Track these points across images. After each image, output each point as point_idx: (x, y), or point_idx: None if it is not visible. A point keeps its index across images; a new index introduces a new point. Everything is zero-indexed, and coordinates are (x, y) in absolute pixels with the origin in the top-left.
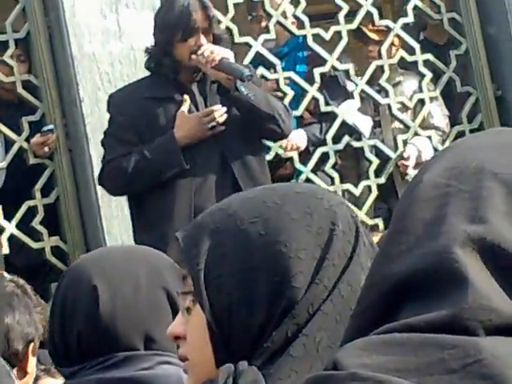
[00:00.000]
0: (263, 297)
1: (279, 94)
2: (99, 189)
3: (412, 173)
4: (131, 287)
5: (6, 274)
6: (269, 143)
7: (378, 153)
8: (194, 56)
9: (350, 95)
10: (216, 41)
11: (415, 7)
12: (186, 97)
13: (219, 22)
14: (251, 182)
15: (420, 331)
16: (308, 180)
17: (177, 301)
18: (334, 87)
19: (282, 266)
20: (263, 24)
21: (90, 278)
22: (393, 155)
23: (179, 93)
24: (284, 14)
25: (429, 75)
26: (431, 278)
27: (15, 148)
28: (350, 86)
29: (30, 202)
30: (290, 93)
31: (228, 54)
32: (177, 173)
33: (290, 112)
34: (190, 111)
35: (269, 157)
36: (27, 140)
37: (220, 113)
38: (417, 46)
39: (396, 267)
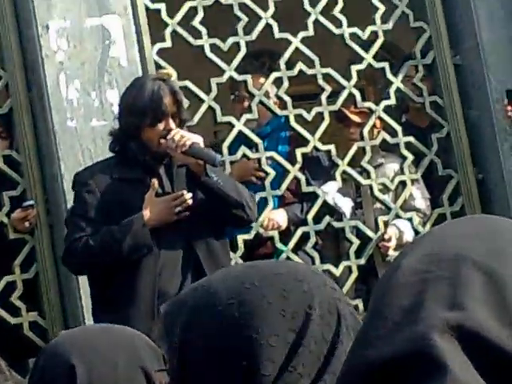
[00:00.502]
0: (233, 381)
1: (261, 173)
2: None
3: (393, 254)
4: (109, 368)
5: None
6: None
7: (359, 234)
8: (163, 140)
9: (331, 176)
10: (182, 125)
11: (398, 90)
12: (155, 180)
13: (202, 100)
14: (215, 265)
15: None
16: (288, 259)
17: (154, 380)
18: (315, 167)
19: (252, 353)
20: (246, 104)
21: (67, 357)
22: (374, 236)
23: (147, 175)
24: (267, 94)
25: (410, 157)
26: (410, 364)
27: None
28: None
29: (9, 277)
30: (272, 172)
31: (198, 140)
32: (144, 254)
33: (254, 199)
34: (156, 194)
35: (249, 236)
36: (8, 215)
37: (188, 197)
38: (399, 129)
39: (374, 353)
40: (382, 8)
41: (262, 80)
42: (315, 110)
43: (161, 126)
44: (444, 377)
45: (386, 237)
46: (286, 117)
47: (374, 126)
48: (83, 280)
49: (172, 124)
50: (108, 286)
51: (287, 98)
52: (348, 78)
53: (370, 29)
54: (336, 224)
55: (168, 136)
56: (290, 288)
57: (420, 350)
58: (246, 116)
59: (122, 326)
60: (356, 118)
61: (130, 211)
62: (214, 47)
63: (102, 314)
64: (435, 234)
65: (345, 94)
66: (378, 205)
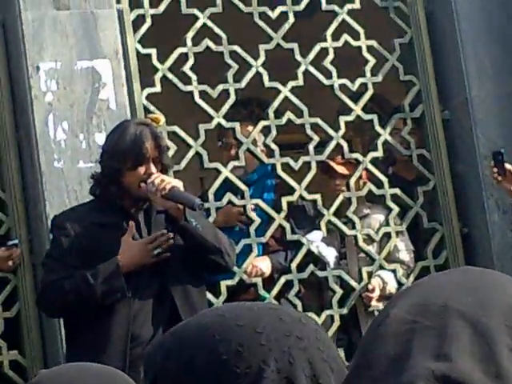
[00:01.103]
0: None
1: (244, 217)
2: None
3: (376, 305)
4: None
5: None
6: (234, 269)
7: (342, 283)
8: (143, 184)
9: (316, 225)
10: (164, 170)
11: (385, 142)
12: (132, 223)
13: (189, 146)
14: (191, 311)
15: None
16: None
17: None
18: (300, 216)
19: None
20: (233, 151)
21: None
22: (357, 286)
23: (124, 219)
24: (254, 142)
25: (396, 209)
26: None
27: None
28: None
29: None
30: (257, 220)
31: (178, 184)
32: (117, 299)
33: (233, 246)
34: (133, 238)
35: (232, 282)
36: None
37: (165, 238)
38: (385, 180)
39: None
40: (372, 60)
41: (250, 128)
42: (302, 159)
43: (141, 169)
44: None
45: (370, 287)
46: (273, 165)
47: (360, 177)
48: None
49: (153, 168)
50: (81, 328)
51: (274, 147)
52: (336, 128)
53: (359, 80)
54: (319, 273)
55: (148, 180)
56: (247, 341)
57: None
58: (233, 163)
59: (103, 366)
60: (342, 170)
61: (105, 256)
62: (203, 93)
63: (75, 357)
64: (423, 285)
65: (332, 145)
66: (362, 255)
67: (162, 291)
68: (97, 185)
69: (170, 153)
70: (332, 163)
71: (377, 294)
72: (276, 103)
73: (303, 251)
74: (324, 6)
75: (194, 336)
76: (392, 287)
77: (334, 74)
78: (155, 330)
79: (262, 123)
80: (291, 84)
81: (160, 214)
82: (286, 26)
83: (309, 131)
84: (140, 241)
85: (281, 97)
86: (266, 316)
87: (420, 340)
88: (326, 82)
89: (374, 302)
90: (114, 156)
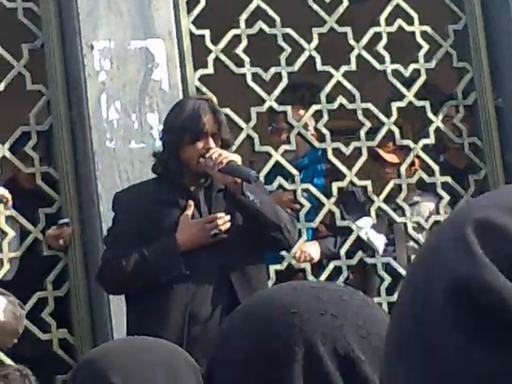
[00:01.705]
0: None
1: (296, 205)
2: None
3: None
4: None
5: (12, 363)
6: (283, 253)
7: (391, 271)
8: (201, 159)
9: (366, 211)
10: (224, 146)
11: (437, 129)
12: (191, 202)
13: (240, 128)
14: (249, 292)
15: None
16: None
17: None
18: (350, 202)
19: None
20: (284, 135)
21: (106, 373)
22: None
23: (184, 198)
24: (305, 127)
25: (446, 198)
26: None
27: (30, 238)
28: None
29: (41, 293)
30: (307, 204)
31: (236, 158)
32: (175, 277)
33: (295, 223)
34: (193, 217)
35: (281, 267)
36: (43, 231)
37: (223, 220)
38: (436, 168)
39: None
40: (425, 46)
41: (301, 112)
42: (353, 144)
43: (200, 144)
44: None
45: None
46: (324, 150)
47: (412, 164)
48: (114, 299)
49: (212, 143)
50: (141, 307)
51: (326, 131)
52: (388, 114)
53: (412, 66)
54: (368, 260)
55: (206, 154)
56: (281, 324)
57: None
58: (284, 147)
59: (162, 341)
60: (391, 159)
61: (164, 234)
62: (255, 76)
63: (135, 332)
64: None
65: (384, 131)
66: (411, 243)
67: (220, 271)
68: (158, 162)
69: None
70: (382, 152)
71: None
72: (328, 88)
73: (352, 237)
74: None
75: (238, 321)
76: None
77: (387, 59)
78: (213, 310)
79: (314, 107)
80: (344, 68)
81: (220, 191)
82: (340, 9)
83: (360, 117)
84: (198, 220)
85: (333, 81)
86: (304, 295)
87: None
88: (378, 67)
89: None
90: (173, 130)
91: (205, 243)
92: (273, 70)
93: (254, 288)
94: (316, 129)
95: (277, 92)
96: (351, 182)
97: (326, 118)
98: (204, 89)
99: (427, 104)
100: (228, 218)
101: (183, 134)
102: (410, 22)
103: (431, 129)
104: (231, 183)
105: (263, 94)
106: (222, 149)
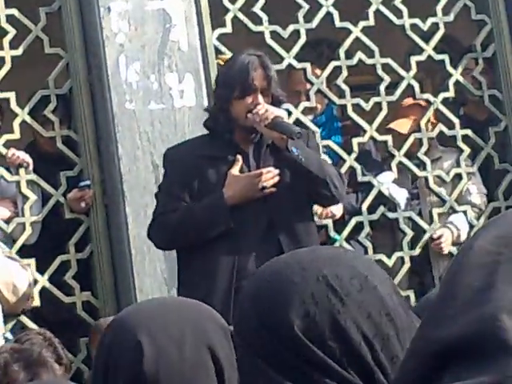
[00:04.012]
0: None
1: None
2: (133, 246)
3: (449, 248)
4: (176, 346)
5: (35, 327)
6: None
7: (413, 225)
8: (249, 114)
9: (384, 168)
10: (275, 102)
11: (456, 82)
12: (239, 157)
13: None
14: (296, 247)
15: None
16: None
17: (220, 358)
18: (367, 161)
19: None
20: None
21: (134, 333)
22: (428, 228)
23: (233, 153)
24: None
25: (467, 151)
26: (476, 344)
27: (52, 202)
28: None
29: (64, 257)
30: (328, 161)
31: (282, 114)
32: (223, 232)
33: (343, 179)
34: (242, 172)
35: None
36: (64, 194)
37: (271, 175)
38: (456, 121)
39: (441, 332)
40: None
41: (317, 71)
42: (373, 100)
43: (249, 99)
44: (510, 358)
45: (435, 236)
46: (341, 106)
47: (430, 120)
48: (137, 260)
49: (260, 98)
50: (191, 261)
51: (345, 87)
52: (407, 69)
53: (430, 20)
54: (390, 214)
55: (254, 110)
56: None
57: (487, 331)
58: (303, 104)
59: (191, 300)
60: (403, 130)
61: (212, 189)
62: (273, 34)
63: (185, 289)
64: (508, 217)
65: (403, 85)
66: (433, 197)
67: (269, 227)
68: (209, 116)
69: None
70: (393, 126)
71: (448, 241)
72: (347, 43)
73: (374, 193)
74: None
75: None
76: (464, 233)
77: (405, 13)
78: (261, 264)
79: (333, 63)
80: (362, 24)
81: (269, 147)
82: None
83: (380, 72)
84: (247, 174)
85: (352, 37)
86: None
87: (504, 271)
88: (396, 21)
89: (446, 248)
90: (223, 84)
91: (253, 197)
92: (291, 27)
93: (301, 243)
94: (336, 85)
95: (296, 49)
96: (372, 138)
97: (345, 73)
98: (222, 48)
99: (446, 57)
100: (277, 172)
101: (232, 88)
102: None
103: (451, 82)
104: (277, 138)
105: (282, 52)
106: (272, 105)
